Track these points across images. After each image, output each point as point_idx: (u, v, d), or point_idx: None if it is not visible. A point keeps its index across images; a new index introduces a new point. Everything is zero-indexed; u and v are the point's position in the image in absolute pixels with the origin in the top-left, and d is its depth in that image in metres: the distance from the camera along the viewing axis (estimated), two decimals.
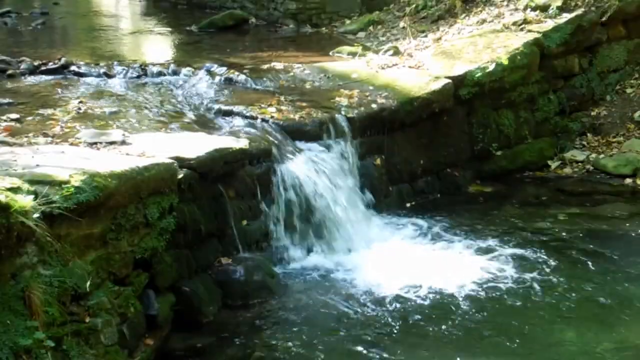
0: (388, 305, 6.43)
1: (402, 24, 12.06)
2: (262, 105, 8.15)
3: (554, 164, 9.80)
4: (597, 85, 10.46)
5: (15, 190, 4.47)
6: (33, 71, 9.35)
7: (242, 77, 9.20)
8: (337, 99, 8.55)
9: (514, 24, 10.17)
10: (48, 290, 4.59)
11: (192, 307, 6.21)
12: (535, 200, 8.85)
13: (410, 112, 8.62)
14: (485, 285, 6.70)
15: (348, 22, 13.49)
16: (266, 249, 7.16)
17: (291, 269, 7.16)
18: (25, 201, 4.40)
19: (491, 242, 7.61)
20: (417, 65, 9.58)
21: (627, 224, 8.05)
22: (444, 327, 6.10)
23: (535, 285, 6.73)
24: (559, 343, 5.82)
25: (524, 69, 9.51)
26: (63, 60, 9.64)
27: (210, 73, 9.33)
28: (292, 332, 6.06)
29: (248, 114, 7.92)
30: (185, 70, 9.48)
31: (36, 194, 4.57)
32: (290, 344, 5.88)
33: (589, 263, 7.17)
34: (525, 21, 10.12)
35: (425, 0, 12.33)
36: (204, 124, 7.68)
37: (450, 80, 8.98)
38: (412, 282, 6.72)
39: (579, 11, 10.15)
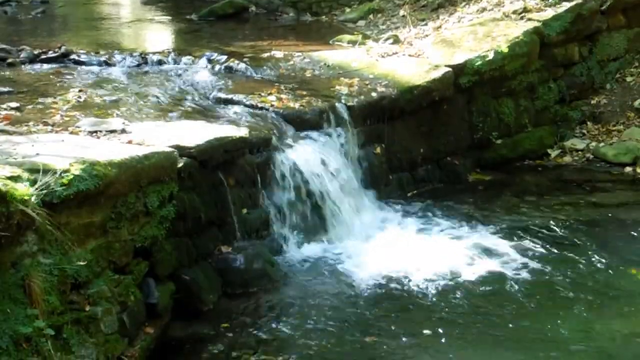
0: (387, 293, 6.45)
1: (402, 13, 12.06)
2: (262, 94, 8.15)
3: (554, 153, 9.81)
4: (597, 74, 10.45)
5: (15, 179, 4.49)
6: (33, 60, 9.35)
7: (242, 65, 9.20)
8: (337, 87, 8.55)
9: (514, 12, 10.15)
10: (48, 278, 4.59)
11: (192, 296, 6.23)
12: (535, 189, 8.84)
13: (410, 100, 8.62)
14: (484, 273, 6.71)
15: (348, 10, 13.48)
16: (266, 237, 7.16)
17: (291, 257, 7.16)
18: (25, 190, 4.41)
19: (491, 230, 7.63)
20: (417, 53, 9.57)
21: (627, 212, 8.05)
22: (443, 314, 6.12)
23: (535, 273, 6.73)
24: (557, 330, 5.83)
25: (524, 57, 9.51)
26: (63, 48, 9.63)
27: (210, 62, 9.33)
28: (292, 320, 6.07)
29: (248, 103, 7.94)
30: (185, 59, 9.50)
31: (36, 183, 4.58)
32: (289, 331, 5.90)
33: (589, 251, 7.16)
34: (525, 10, 10.09)
35: None
36: (204, 112, 7.69)
37: (450, 69, 8.98)
38: (411, 271, 6.73)
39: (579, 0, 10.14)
